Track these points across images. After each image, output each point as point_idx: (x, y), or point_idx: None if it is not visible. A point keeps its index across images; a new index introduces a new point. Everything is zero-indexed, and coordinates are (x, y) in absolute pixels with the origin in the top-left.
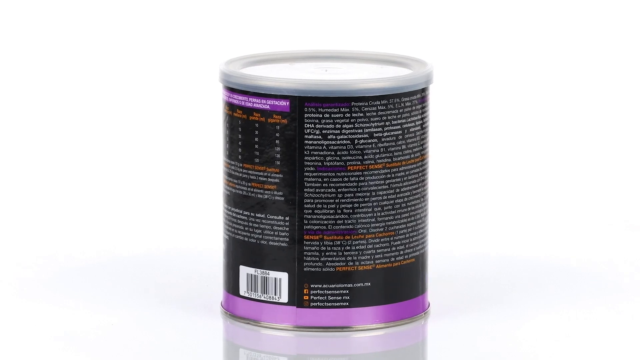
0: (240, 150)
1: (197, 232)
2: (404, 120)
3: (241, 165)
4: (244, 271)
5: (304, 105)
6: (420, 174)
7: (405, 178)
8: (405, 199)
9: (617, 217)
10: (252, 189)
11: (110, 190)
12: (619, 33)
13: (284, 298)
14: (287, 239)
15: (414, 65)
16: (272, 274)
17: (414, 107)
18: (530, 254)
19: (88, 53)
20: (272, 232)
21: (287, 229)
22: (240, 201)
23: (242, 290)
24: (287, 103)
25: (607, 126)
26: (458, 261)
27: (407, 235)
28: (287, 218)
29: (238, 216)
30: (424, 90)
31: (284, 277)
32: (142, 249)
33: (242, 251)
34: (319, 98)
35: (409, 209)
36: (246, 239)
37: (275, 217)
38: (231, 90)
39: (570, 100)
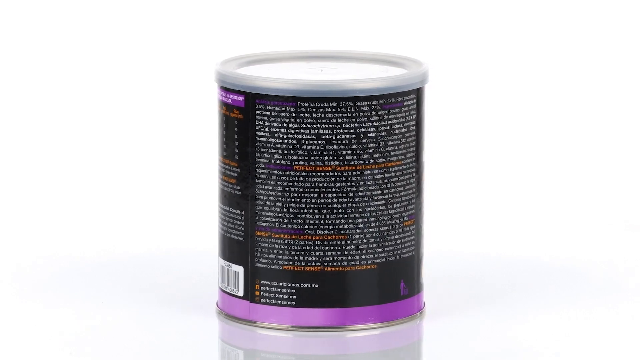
0: (218, 142)
1: (197, 232)
2: (359, 125)
3: (219, 158)
4: (219, 263)
5: (255, 101)
6: (384, 181)
7: (360, 183)
8: (362, 204)
9: (617, 217)
10: (222, 182)
11: (109, 191)
12: (616, 32)
13: (241, 292)
14: (243, 233)
15: (410, 66)
16: (233, 267)
17: (373, 112)
18: (529, 254)
19: (82, 53)
20: (233, 225)
21: (243, 223)
22: (219, 194)
23: (219, 281)
24: (242, 98)
25: (607, 126)
26: (457, 261)
27: (365, 241)
28: (242, 212)
29: (218, 208)
30: (391, 96)
31: (240, 271)
32: (141, 249)
33: (219, 243)
34: (267, 96)
35: (368, 214)
36: (221, 231)
37: (235, 211)
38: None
39: (570, 99)
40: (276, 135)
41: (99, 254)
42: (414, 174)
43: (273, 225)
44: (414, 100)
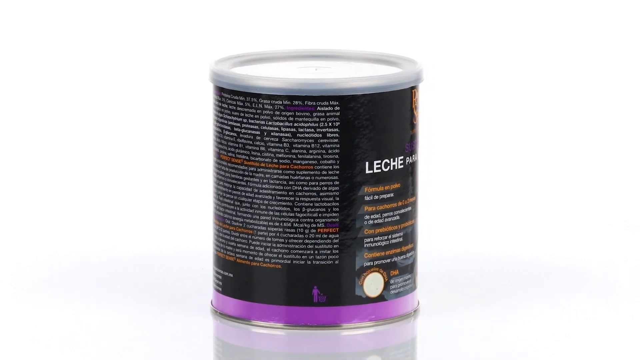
0: None
1: (196, 232)
2: (262, 122)
3: None
4: None
5: (214, 91)
6: (289, 183)
7: (264, 180)
8: (266, 202)
9: (617, 217)
10: None
11: (109, 191)
12: (614, 32)
13: None
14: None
15: (404, 65)
16: None
17: (276, 112)
18: (529, 253)
19: (78, 53)
20: None
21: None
22: None
23: None
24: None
25: (607, 126)
26: (456, 261)
27: (269, 239)
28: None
29: None
30: (297, 98)
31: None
32: (141, 249)
33: None
34: (215, 86)
35: (271, 212)
36: None
37: None
38: None
39: (569, 98)
40: (215, 123)
41: (99, 254)
42: (336, 182)
43: (214, 210)
44: (336, 107)
